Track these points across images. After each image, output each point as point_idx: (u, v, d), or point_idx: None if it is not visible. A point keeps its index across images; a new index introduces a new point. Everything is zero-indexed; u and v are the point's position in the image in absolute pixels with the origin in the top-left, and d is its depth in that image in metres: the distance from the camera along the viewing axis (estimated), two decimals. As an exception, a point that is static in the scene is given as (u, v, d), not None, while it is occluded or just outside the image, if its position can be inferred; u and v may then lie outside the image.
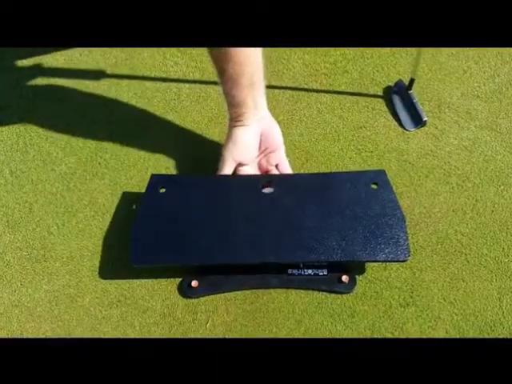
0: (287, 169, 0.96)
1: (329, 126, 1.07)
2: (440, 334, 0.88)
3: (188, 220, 0.89)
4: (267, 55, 1.16)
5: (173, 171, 1.03)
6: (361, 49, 1.14)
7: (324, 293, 0.91)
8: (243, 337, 0.88)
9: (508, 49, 1.14)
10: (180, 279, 0.93)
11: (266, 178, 0.94)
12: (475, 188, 1.00)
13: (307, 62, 1.15)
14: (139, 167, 1.04)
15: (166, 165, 1.04)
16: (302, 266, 0.92)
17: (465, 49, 1.14)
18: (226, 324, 0.90)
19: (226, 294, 0.92)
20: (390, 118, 1.07)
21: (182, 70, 1.15)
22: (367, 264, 0.93)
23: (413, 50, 1.14)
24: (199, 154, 1.05)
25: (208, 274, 0.92)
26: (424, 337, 0.87)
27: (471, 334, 0.87)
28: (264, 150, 0.95)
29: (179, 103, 1.11)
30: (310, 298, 0.91)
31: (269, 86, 1.11)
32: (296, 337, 0.88)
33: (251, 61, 0.84)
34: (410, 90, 1.06)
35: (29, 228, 0.98)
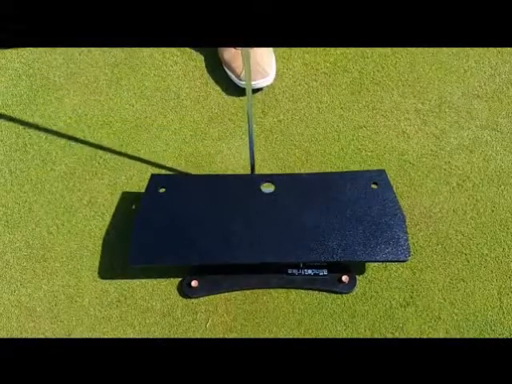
0: None
1: (329, 126, 1.07)
2: (440, 334, 0.88)
3: (188, 220, 0.89)
4: (267, 55, 1.17)
5: (173, 171, 1.03)
6: (361, 48, 1.14)
7: (324, 293, 0.91)
8: (243, 337, 0.88)
9: (508, 48, 1.14)
10: (180, 279, 0.93)
11: (266, 177, 0.94)
12: (475, 188, 1.00)
13: (307, 61, 1.14)
14: (139, 167, 1.04)
15: (165, 165, 1.04)
16: (302, 265, 0.92)
17: (465, 48, 1.14)
18: (226, 324, 0.90)
19: (225, 293, 0.92)
20: (391, 117, 1.07)
21: (181, 69, 1.14)
22: (367, 264, 0.93)
23: (413, 50, 1.14)
24: (199, 153, 1.05)
25: (208, 273, 0.92)
26: (424, 337, 0.87)
27: (471, 334, 0.87)
28: None
29: (179, 103, 1.10)
30: (310, 298, 0.91)
31: (269, 86, 1.12)
32: (296, 337, 0.88)
33: None
34: None
35: (28, 228, 0.98)
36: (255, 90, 1.10)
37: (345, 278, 0.90)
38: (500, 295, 0.90)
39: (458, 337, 0.87)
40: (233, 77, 1.09)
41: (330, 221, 0.88)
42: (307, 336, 0.88)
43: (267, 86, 1.11)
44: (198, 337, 0.88)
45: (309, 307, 0.90)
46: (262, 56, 1.08)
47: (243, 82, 1.07)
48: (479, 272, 0.92)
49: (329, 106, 1.09)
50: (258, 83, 1.07)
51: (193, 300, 0.91)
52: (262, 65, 1.07)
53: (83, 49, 1.16)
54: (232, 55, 1.08)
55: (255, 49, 1.08)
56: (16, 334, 0.90)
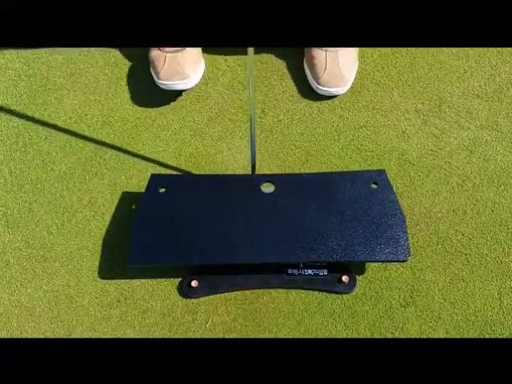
0: None
1: (329, 126, 1.07)
2: (440, 334, 0.88)
3: (188, 220, 0.89)
4: (268, 55, 1.16)
5: (173, 171, 1.03)
6: (361, 48, 1.14)
7: (324, 293, 0.91)
8: (243, 337, 0.88)
9: (508, 48, 1.14)
10: (180, 279, 0.93)
11: (266, 177, 0.94)
12: (475, 188, 1.00)
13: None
14: (139, 167, 1.04)
15: (165, 165, 1.04)
16: (302, 266, 0.92)
17: (465, 48, 1.14)
18: (226, 324, 0.90)
19: (225, 293, 0.92)
20: (391, 117, 1.07)
21: (181, 69, 1.14)
22: (367, 264, 0.93)
23: (413, 50, 1.14)
24: (199, 153, 1.05)
25: (208, 273, 0.92)
26: (424, 337, 0.87)
27: (471, 334, 0.87)
28: None
29: (179, 103, 1.10)
30: (310, 298, 0.91)
31: (269, 86, 1.12)
32: (296, 337, 0.88)
33: None
34: None
35: (28, 228, 0.98)
36: (174, 92, 1.08)
37: (345, 278, 0.90)
38: (500, 295, 0.90)
39: (457, 337, 0.87)
40: (154, 75, 1.08)
41: (330, 221, 0.88)
42: (307, 336, 0.88)
43: (267, 86, 1.11)
44: (198, 337, 0.88)
45: (309, 307, 0.90)
46: (184, 57, 1.06)
47: (161, 82, 1.05)
48: (479, 272, 0.92)
49: (329, 106, 1.09)
50: (175, 84, 1.05)
51: (193, 300, 0.91)
52: (183, 67, 1.04)
53: (83, 49, 1.16)
54: (157, 55, 1.07)
55: (185, 50, 1.06)
56: (16, 334, 0.90)
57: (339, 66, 1.05)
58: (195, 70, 1.08)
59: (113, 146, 1.06)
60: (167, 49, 1.06)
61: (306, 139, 1.06)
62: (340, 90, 1.07)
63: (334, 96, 1.09)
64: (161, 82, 1.05)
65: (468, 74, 1.11)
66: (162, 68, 1.05)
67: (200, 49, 1.12)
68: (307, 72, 1.10)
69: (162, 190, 0.92)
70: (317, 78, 1.06)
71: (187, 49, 1.07)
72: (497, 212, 0.97)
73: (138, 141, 1.07)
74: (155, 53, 1.08)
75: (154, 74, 1.08)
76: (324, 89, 1.06)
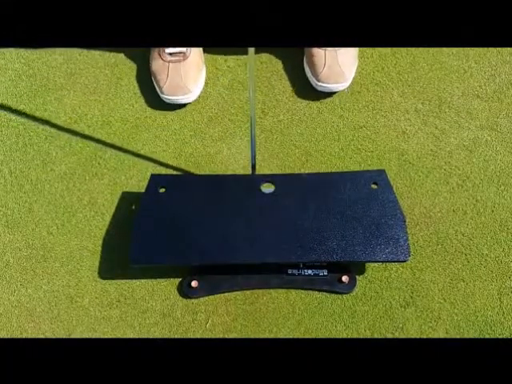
0: None
1: (329, 126, 1.07)
2: (440, 334, 0.88)
3: (188, 220, 0.89)
4: (268, 55, 1.16)
5: (173, 171, 1.03)
6: (361, 48, 1.14)
7: (324, 293, 0.91)
8: (243, 337, 0.88)
9: (508, 48, 1.14)
10: (180, 279, 0.93)
11: (266, 177, 0.94)
12: (475, 188, 1.00)
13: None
14: (139, 167, 1.04)
15: (165, 165, 1.04)
16: (302, 266, 0.92)
17: (465, 48, 1.14)
18: (226, 324, 0.90)
19: (225, 294, 0.92)
20: (391, 117, 1.07)
21: (181, 69, 1.14)
22: (367, 264, 0.93)
23: (413, 50, 1.14)
24: (199, 153, 1.05)
25: (208, 273, 0.92)
26: (424, 337, 0.87)
27: (471, 334, 0.87)
28: None
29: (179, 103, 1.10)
30: (310, 298, 0.91)
31: (269, 86, 1.12)
32: (296, 337, 0.88)
33: None
34: None
35: (28, 228, 0.98)
36: (177, 105, 1.08)
37: (345, 278, 0.90)
38: (500, 295, 0.90)
39: (458, 337, 0.87)
40: (157, 88, 1.08)
41: (330, 221, 0.88)
42: (307, 336, 0.88)
43: (266, 86, 1.11)
44: (198, 337, 0.88)
45: (309, 307, 0.90)
46: (186, 67, 1.06)
47: (165, 96, 1.06)
48: (479, 272, 0.92)
49: (329, 106, 1.09)
50: (178, 99, 1.06)
51: (193, 300, 0.91)
52: (185, 81, 1.05)
53: (83, 49, 1.16)
54: (159, 66, 1.07)
55: (183, 62, 1.06)
56: (16, 334, 0.90)
57: (339, 65, 1.05)
58: (197, 81, 1.08)
59: (113, 146, 1.06)
60: (169, 57, 1.06)
61: (305, 139, 1.06)
62: (340, 85, 1.06)
63: (334, 93, 1.09)
64: (164, 96, 1.06)
65: (468, 74, 1.11)
66: (165, 83, 1.05)
67: (202, 56, 1.12)
68: (307, 69, 1.10)
69: (162, 190, 0.92)
70: (316, 75, 1.06)
71: (189, 57, 1.07)
72: (497, 212, 0.97)
73: (137, 141, 1.07)
74: (157, 63, 1.07)
75: (157, 88, 1.08)
76: (323, 85, 1.06)
